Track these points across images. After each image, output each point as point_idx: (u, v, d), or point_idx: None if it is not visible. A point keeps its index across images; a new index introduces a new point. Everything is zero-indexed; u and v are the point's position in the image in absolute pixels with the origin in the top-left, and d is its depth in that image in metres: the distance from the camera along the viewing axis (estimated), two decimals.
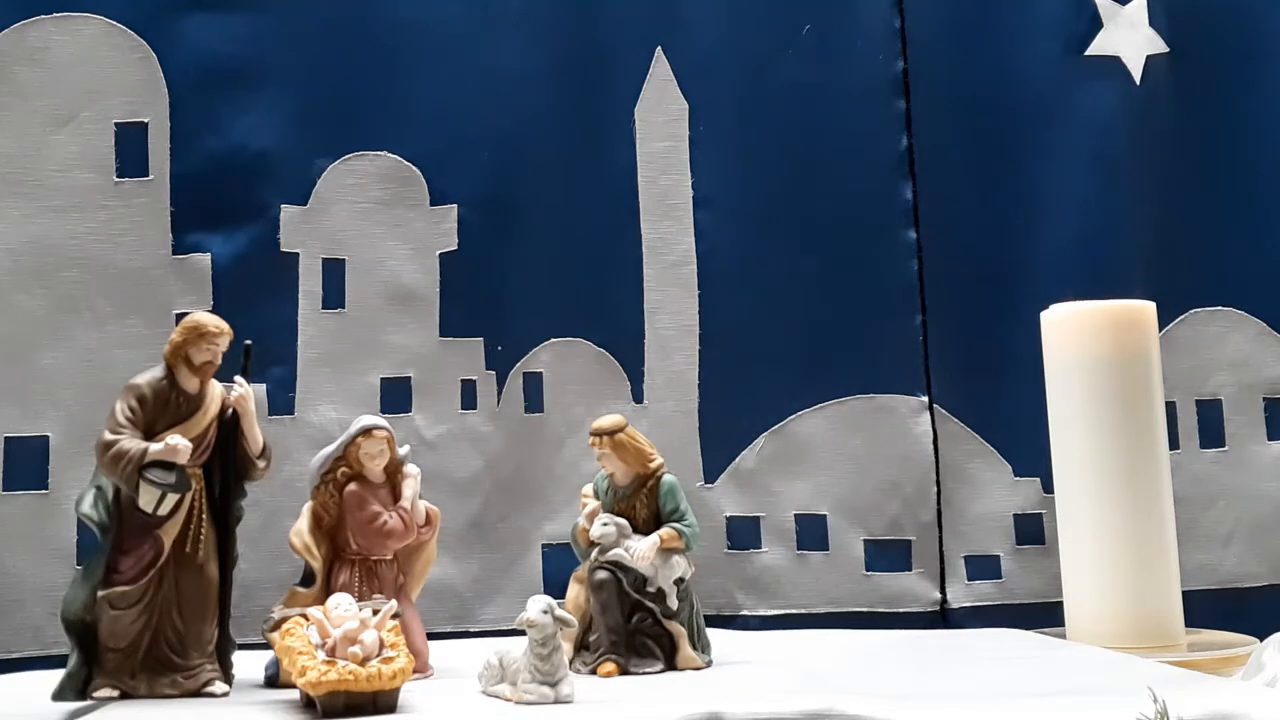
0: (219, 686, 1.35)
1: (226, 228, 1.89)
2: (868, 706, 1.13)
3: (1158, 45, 2.09)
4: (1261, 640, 1.48)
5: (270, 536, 1.71)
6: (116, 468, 1.32)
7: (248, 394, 1.40)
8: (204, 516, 1.38)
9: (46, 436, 1.81)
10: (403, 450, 1.50)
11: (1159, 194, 2.08)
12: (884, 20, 2.05)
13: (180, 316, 1.52)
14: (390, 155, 1.94)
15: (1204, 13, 2.12)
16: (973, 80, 2.07)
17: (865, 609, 1.94)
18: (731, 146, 2.01)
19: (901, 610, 1.95)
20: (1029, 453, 1.93)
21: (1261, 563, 2.04)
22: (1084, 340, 1.70)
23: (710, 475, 1.96)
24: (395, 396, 1.90)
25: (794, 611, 1.93)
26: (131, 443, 1.33)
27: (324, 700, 1.19)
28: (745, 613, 1.93)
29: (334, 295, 1.91)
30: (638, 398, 1.96)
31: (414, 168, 1.94)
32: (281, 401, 1.87)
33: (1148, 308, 1.74)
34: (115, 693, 1.33)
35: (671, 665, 1.46)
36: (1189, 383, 2.07)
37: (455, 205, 1.94)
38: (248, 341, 1.44)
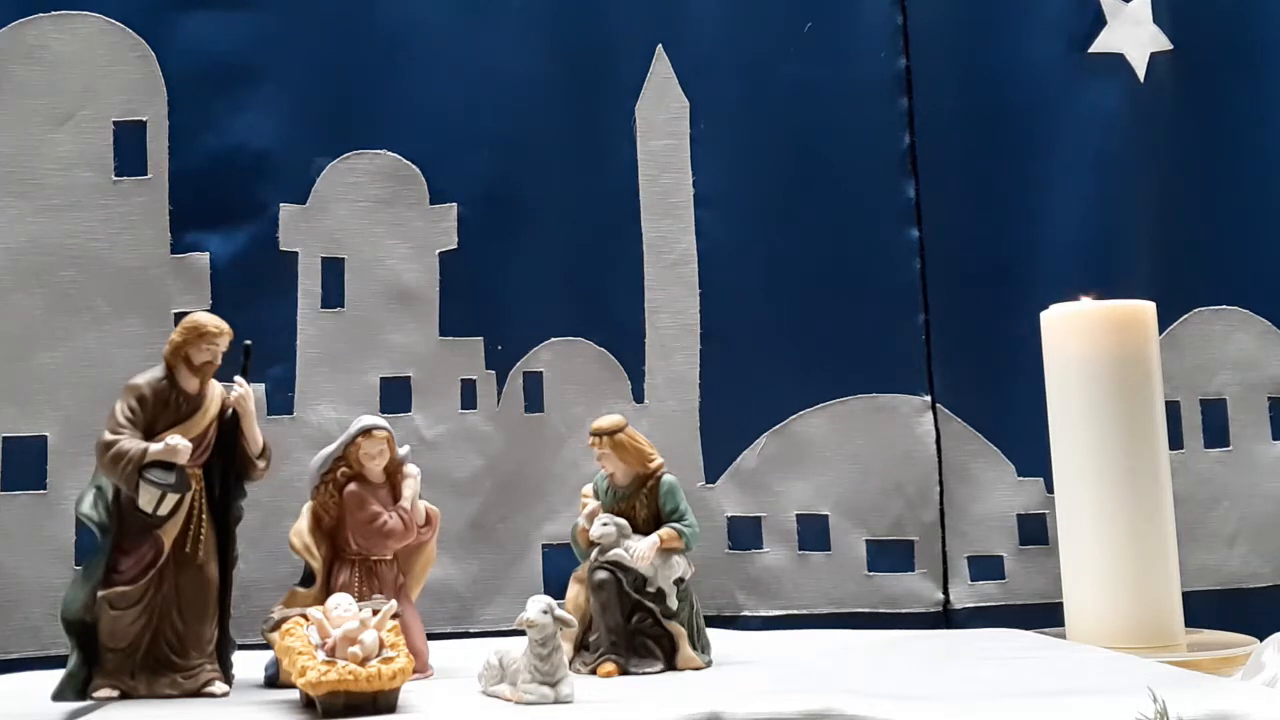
0: (219, 686, 1.35)
1: (225, 227, 1.88)
2: (868, 706, 1.12)
3: (1162, 43, 2.08)
4: (1262, 640, 1.47)
5: (270, 536, 1.71)
6: (116, 468, 1.32)
7: (248, 394, 1.40)
8: (204, 516, 1.38)
9: (45, 436, 1.81)
10: (403, 450, 1.50)
11: (1163, 192, 2.07)
12: (886, 18, 2.04)
13: (179, 316, 1.52)
14: (390, 154, 1.93)
15: (1208, 10, 2.12)
16: (975, 78, 2.06)
17: (867, 610, 1.94)
18: (733, 144, 2.00)
19: (904, 611, 1.94)
20: (1032, 453, 1.92)
21: (1266, 563, 2.03)
22: (1084, 340, 1.69)
23: (711, 475, 1.95)
24: (395, 396, 1.90)
25: (795, 612, 1.93)
26: (131, 443, 1.33)
27: (324, 700, 1.19)
28: (746, 613, 1.93)
29: (333, 294, 1.90)
30: (638, 397, 1.96)
31: (413, 166, 1.93)
32: (281, 401, 1.86)
33: (1148, 307, 1.73)
34: (115, 693, 1.32)
35: (671, 665, 1.46)
36: (1193, 382, 2.06)
37: (455, 204, 1.94)
38: (248, 342, 1.44)
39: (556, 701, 1.23)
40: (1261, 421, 2.07)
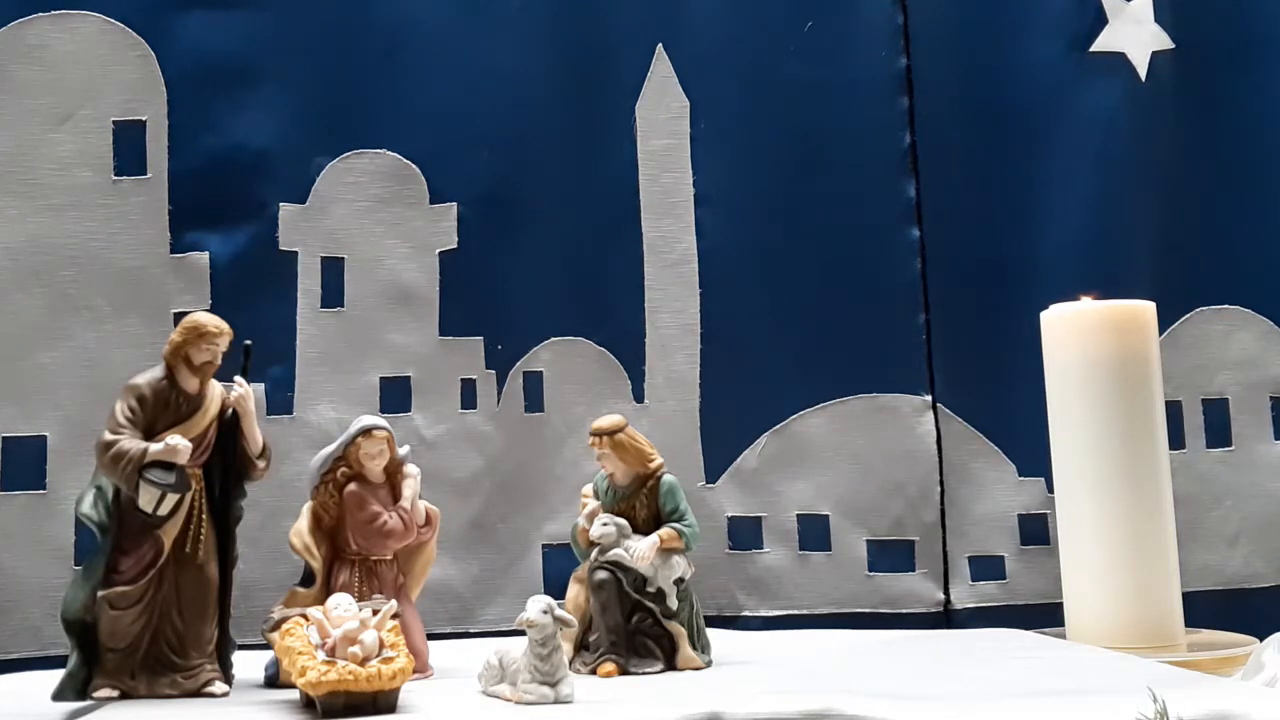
0: (219, 686, 1.35)
1: (225, 226, 1.88)
2: (868, 706, 1.12)
3: (1163, 42, 2.08)
4: (1262, 640, 1.47)
5: (270, 536, 1.70)
6: (116, 468, 1.32)
7: (248, 394, 1.40)
8: (204, 516, 1.38)
9: (44, 436, 1.81)
10: (403, 450, 1.50)
11: (1164, 191, 2.07)
12: (887, 17, 2.04)
13: (179, 315, 1.53)
14: (390, 153, 1.93)
15: (1210, 9, 2.12)
16: (976, 77, 2.06)
17: (868, 610, 1.93)
18: (733, 144, 2.00)
19: (904, 611, 1.94)
20: (1033, 453, 1.91)
21: (1267, 564, 2.03)
22: (1084, 340, 1.69)
23: (711, 475, 1.95)
24: (395, 396, 1.89)
25: (796, 612, 1.93)
26: (131, 443, 1.33)
27: (324, 700, 1.19)
28: (747, 613, 1.93)
29: (333, 294, 1.90)
30: (638, 397, 1.96)
31: (413, 166, 1.93)
32: (280, 401, 1.86)
33: (1148, 307, 1.73)
34: (115, 693, 1.32)
35: (671, 665, 1.46)
36: (1194, 381, 2.06)
37: (455, 203, 1.94)
38: (248, 342, 1.44)
39: (556, 701, 1.23)
40: (1263, 421, 2.06)
